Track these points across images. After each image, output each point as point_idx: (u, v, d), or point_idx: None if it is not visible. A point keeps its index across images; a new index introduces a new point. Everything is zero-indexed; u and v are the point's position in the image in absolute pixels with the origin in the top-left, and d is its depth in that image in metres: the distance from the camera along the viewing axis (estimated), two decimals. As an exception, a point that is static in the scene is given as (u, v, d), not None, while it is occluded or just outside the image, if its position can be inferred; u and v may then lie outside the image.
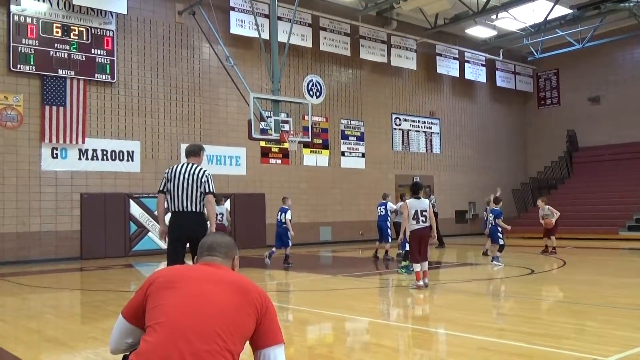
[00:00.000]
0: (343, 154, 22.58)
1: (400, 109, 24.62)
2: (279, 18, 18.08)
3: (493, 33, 25.20)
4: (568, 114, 28.51)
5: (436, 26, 23.47)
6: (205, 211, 6.66)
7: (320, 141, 21.68)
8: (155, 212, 17.52)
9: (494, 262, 12.20)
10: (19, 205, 15.70)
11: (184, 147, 18.34)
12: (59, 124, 16.16)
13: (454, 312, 7.38)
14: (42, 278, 12.29)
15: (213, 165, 19.02)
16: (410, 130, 24.97)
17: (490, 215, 13.43)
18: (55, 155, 16.27)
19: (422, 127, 25.45)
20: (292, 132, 16.13)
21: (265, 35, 17.46)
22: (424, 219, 9.14)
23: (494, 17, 23.18)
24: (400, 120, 24.58)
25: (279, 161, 20.67)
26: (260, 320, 2.51)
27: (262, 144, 19.74)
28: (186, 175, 6.61)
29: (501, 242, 12.83)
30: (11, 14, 15.54)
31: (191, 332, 2.33)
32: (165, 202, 6.81)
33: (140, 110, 17.79)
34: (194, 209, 6.59)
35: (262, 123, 15.89)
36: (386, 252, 14.67)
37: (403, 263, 11.47)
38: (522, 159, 29.97)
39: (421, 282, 9.12)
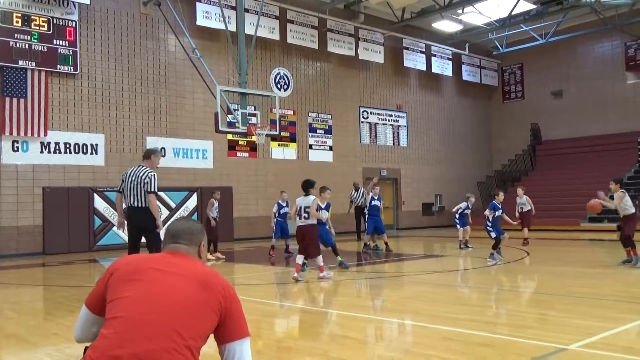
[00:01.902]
0: (311, 147, 22.57)
1: (368, 102, 24.72)
2: (246, 10, 17.93)
3: (459, 27, 25.49)
4: (532, 108, 29.04)
5: (403, 20, 23.62)
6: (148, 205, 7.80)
7: (288, 134, 21.63)
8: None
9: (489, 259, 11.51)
10: (-22, 199, 15.29)
11: (149, 140, 18.24)
12: (20, 116, 15.76)
13: (419, 303, 7.47)
14: (2, 274, 11.99)
15: (179, 159, 18.82)
16: (378, 123, 25.09)
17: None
18: (16, 149, 15.87)
19: (389, 120, 25.60)
20: (259, 125, 16.03)
21: (232, 27, 17.29)
22: (306, 215, 9.31)
23: (460, 11, 23.44)
24: (367, 113, 24.68)
25: (246, 154, 20.55)
26: (224, 314, 2.46)
27: (229, 137, 19.59)
28: (133, 177, 7.82)
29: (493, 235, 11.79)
30: (-32, 2, 15.07)
31: (149, 328, 2.28)
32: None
33: (105, 103, 17.46)
34: (139, 205, 7.79)
35: (229, 116, 15.76)
36: (365, 244, 15.01)
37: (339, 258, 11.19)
38: (487, 152, 30.43)
39: (296, 275, 9.23)
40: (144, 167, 7.93)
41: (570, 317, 6.14)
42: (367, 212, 15.14)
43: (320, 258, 9.36)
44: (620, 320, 5.75)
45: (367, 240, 15.00)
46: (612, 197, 10.86)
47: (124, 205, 8.11)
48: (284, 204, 14.55)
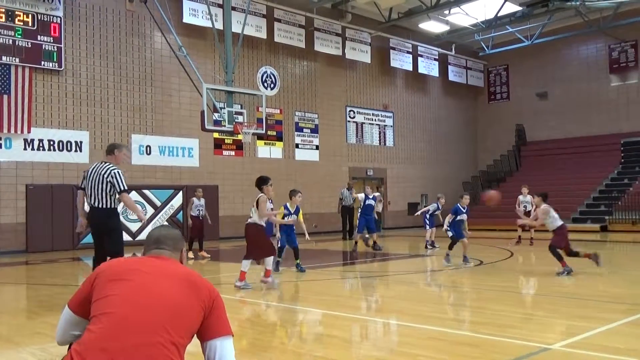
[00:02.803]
0: (297, 146, 22.56)
1: (354, 102, 24.76)
2: (233, 8, 17.87)
3: (446, 28, 25.62)
4: (517, 109, 29.26)
5: (390, 20, 23.67)
6: (114, 206, 7.27)
7: (274, 133, 21.60)
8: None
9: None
10: (-40, 196, 15.10)
11: (135, 137, 18.12)
12: (3, 113, 15.56)
13: (404, 302, 7.50)
14: (-15, 272, 11.87)
15: (165, 157, 18.72)
16: (364, 123, 25.14)
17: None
18: (-1, 145, 15.69)
19: (375, 120, 25.66)
20: (245, 124, 15.99)
21: (219, 25, 17.22)
22: (251, 214, 8.87)
23: (446, 12, 23.55)
24: (354, 112, 24.71)
25: (232, 153, 20.49)
26: (207, 313, 2.52)
27: (216, 135, 19.51)
28: (95, 175, 7.20)
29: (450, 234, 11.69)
30: (-49, -3, 14.86)
31: (136, 323, 2.32)
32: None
33: (89, 100, 17.31)
34: (99, 205, 7.18)
35: (216, 114, 15.70)
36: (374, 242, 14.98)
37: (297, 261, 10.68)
38: (473, 152, 30.60)
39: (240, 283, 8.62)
40: (107, 164, 7.26)
41: (553, 317, 6.20)
42: (360, 211, 15.08)
43: (269, 260, 8.68)
44: (603, 320, 5.81)
45: (357, 238, 14.97)
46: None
47: (86, 205, 7.43)
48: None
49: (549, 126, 28.06)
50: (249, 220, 8.81)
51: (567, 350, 4.72)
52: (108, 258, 6.96)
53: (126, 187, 7.23)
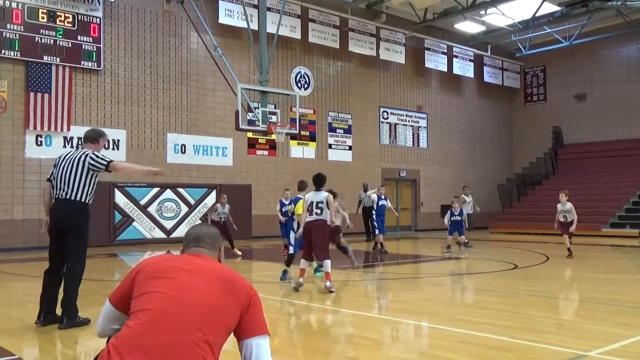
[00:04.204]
0: (330, 146, 22.57)
1: (388, 103, 24.65)
2: (268, 9, 17.98)
3: (482, 28, 25.30)
4: (554, 111, 28.71)
5: (425, 20, 23.50)
6: (86, 201, 6.01)
7: (307, 133, 21.65)
8: (141, 202, 17.45)
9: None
10: (2, 192, 15.55)
11: (170, 136, 18.38)
12: (44, 111, 15.98)
13: (436, 305, 7.43)
14: (24, 266, 12.19)
15: (199, 156, 18.94)
16: (398, 124, 25.00)
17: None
18: (39, 143, 16.10)
19: (409, 121, 25.50)
20: (279, 124, 16.08)
21: (254, 26, 17.36)
22: (318, 210, 8.51)
23: (482, 12, 23.26)
24: (387, 113, 24.60)
25: (265, 152, 20.62)
26: (244, 312, 2.54)
27: (249, 135, 19.66)
28: (67, 162, 5.97)
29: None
30: (-4, -2, 15.32)
31: (171, 321, 2.36)
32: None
33: (127, 99, 17.64)
34: (67, 196, 5.89)
35: (250, 114, 15.82)
36: (377, 243, 15.01)
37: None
38: (508, 154, 30.14)
39: (300, 280, 8.40)
40: (85, 150, 6.10)
41: (590, 323, 6.07)
42: (375, 212, 15.14)
43: (328, 263, 8.40)
44: (642, 328, 5.66)
45: (382, 240, 14.98)
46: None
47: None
48: (287, 202, 14.05)
49: (587, 128, 27.45)
50: (317, 217, 8.45)
51: (604, 358, 4.61)
52: (66, 267, 5.94)
53: (110, 159, 6.06)
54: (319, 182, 8.76)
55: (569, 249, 13.04)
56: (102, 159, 5.93)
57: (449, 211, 15.02)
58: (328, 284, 8.21)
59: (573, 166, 26.97)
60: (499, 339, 5.27)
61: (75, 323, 5.83)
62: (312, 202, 8.58)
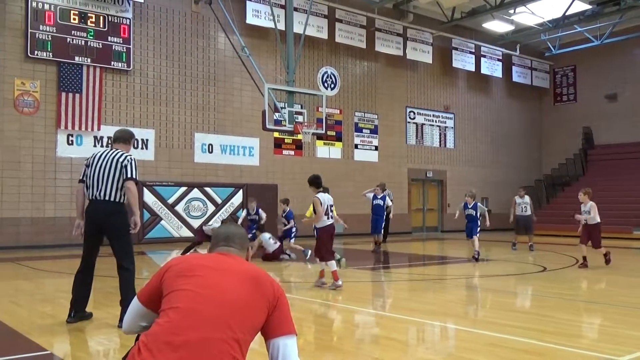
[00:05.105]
0: (356, 146, 22.54)
1: (415, 103, 24.51)
2: (295, 9, 18.03)
3: (510, 28, 25.00)
4: (584, 111, 28.23)
5: (453, 20, 23.32)
6: (125, 200, 5.96)
7: (333, 133, 21.65)
8: (169, 201, 17.64)
9: None
10: (34, 190, 15.86)
11: (198, 136, 18.55)
12: (75, 111, 16.27)
13: (463, 307, 7.37)
14: (56, 263, 12.42)
15: (226, 155, 19.09)
16: (425, 124, 24.86)
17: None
18: (70, 142, 16.40)
19: (436, 121, 25.32)
20: (306, 124, 16.10)
21: (281, 26, 17.42)
22: (331, 214, 8.64)
23: (511, 11, 23.00)
24: (414, 113, 24.47)
25: (292, 152, 20.68)
26: (271, 311, 2.55)
27: (276, 134, 19.75)
28: (103, 162, 5.92)
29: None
30: (29, 0, 15.63)
31: (200, 319, 2.38)
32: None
33: (155, 99, 17.86)
34: (107, 198, 5.86)
35: (276, 114, 15.88)
36: (377, 243, 15.18)
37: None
38: (536, 155, 29.73)
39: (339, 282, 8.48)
40: (120, 151, 6.08)
41: (622, 327, 5.95)
42: (371, 212, 15.33)
43: (333, 262, 8.60)
44: (676, 334, 5.54)
45: (375, 239, 15.23)
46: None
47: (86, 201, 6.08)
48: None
49: (618, 129, 26.93)
50: (333, 220, 8.67)
51: (636, 363, 4.53)
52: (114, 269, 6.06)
53: (136, 177, 5.97)
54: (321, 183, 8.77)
55: (584, 257, 11.52)
56: (134, 170, 5.94)
57: (462, 204, 13.88)
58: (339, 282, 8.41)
59: (604, 167, 26.48)
60: (528, 342, 5.20)
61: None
62: (329, 205, 8.65)
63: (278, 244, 12.51)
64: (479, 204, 13.03)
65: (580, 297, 8.46)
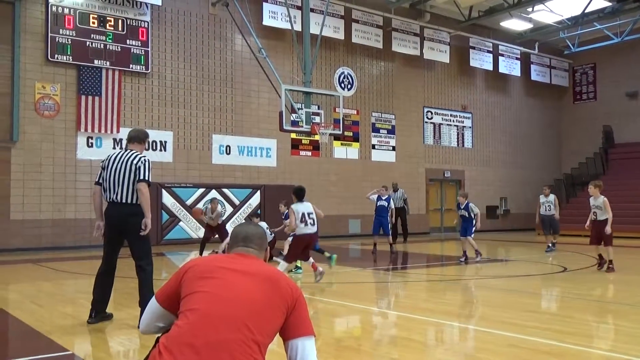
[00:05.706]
0: (373, 147, 22.50)
1: (432, 103, 24.41)
2: (312, 10, 18.05)
3: (528, 26, 24.76)
4: (605, 109, 27.88)
5: (470, 19, 23.18)
6: (137, 201, 5.98)
7: (350, 134, 21.64)
8: (187, 202, 17.75)
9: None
10: (55, 192, 16.07)
11: (215, 137, 18.65)
12: (95, 114, 16.46)
13: (483, 308, 7.32)
14: (77, 264, 12.56)
15: (244, 156, 19.18)
16: (442, 124, 24.74)
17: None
18: (90, 144, 16.59)
19: (454, 121, 25.19)
20: (323, 125, 16.11)
21: (298, 27, 17.45)
22: (312, 221, 9.20)
23: (529, 9, 22.79)
24: (432, 113, 24.37)
25: (309, 153, 20.70)
26: (290, 312, 2.56)
27: (293, 135, 19.79)
28: (118, 164, 5.95)
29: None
30: (49, 4, 15.84)
31: (220, 320, 2.39)
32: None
33: (174, 101, 18.00)
34: (124, 200, 5.92)
35: (293, 115, 15.91)
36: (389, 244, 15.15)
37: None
38: (556, 154, 29.43)
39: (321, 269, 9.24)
40: (135, 152, 6.10)
41: (644, 328, 5.87)
42: (375, 213, 15.24)
43: (286, 265, 9.15)
44: (700, 335, 5.45)
45: (376, 241, 15.10)
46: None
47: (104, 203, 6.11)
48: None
49: (639, 128, 26.56)
50: (311, 228, 9.16)
51: (659, 365, 4.46)
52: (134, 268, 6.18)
53: (149, 179, 6.00)
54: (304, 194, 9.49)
55: (601, 257, 10.98)
56: (145, 173, 5.95)
57: (456, 204, 13.36)
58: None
59: (624, 166, 26.12)
60: (549, 343, 5.15)
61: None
62: (304, 213, 9.17)
63: (273, 235, 12.45)
64: (471, 204, 12.57)
65: (600, 298, 8.36)
